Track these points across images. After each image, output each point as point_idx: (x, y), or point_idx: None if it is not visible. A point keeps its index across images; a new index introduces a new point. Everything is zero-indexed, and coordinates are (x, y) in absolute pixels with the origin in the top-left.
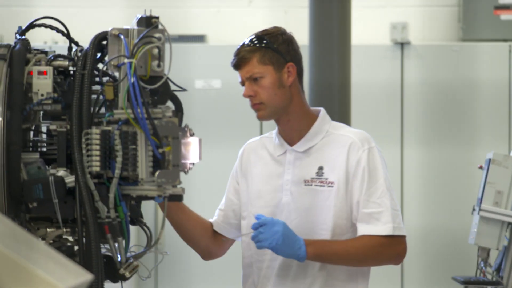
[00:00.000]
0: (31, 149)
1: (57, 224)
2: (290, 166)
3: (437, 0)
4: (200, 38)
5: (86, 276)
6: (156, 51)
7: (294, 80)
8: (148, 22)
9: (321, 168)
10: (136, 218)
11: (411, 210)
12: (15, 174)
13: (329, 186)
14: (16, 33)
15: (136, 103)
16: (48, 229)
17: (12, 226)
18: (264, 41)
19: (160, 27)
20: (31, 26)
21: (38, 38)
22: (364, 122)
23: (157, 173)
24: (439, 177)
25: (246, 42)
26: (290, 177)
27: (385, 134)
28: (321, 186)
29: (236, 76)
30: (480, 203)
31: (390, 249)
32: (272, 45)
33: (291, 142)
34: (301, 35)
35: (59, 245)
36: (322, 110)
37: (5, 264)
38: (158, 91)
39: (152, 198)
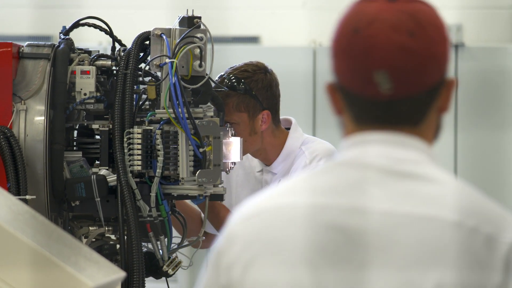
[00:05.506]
0: (74, 148)
1: (99, 223)
2: (267, 185)
3: (492, 2)
4: (254, 40)
5: (118, 274)
6: (197, 51)
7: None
8: (190, 22)
9: (279, 181)
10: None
11: None
12: (58, 173)
13: None
14: (60, 33)
15: (177, 102)
16: (90, 228)
17: (46, 223)
18: (242, 85)
19: (202, 27)
20: (75, 25)
21: (93, 39)
22: None
23: (198, 172)
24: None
25: (225, 79)
26: None
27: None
28: None
29: (290, 77)
30: None
31: None
32: (250, 91)
33: (267, 163)
34: None
35: (101, 243)
36: (292, 126)
37: (35, 260)
38: (199, 91)
39: (193, 197)
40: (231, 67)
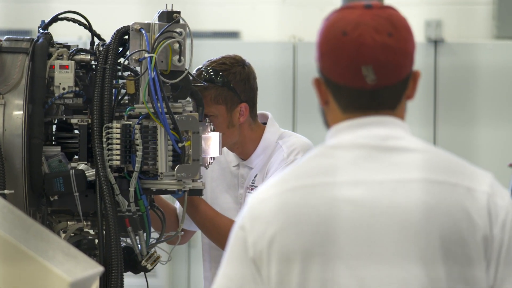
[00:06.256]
0: (52, 142)
1: (78, 217)
2: (243, 180)
3: None
4: (234, 35)
5: (96, 269)
6: (177, 45)
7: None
8: (170, 17)
9: (256, 175)
10: (149, 203)
11: None
12: (36, 168)
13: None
14: (39, 27)
15: (156, 97)
16: (69, 222)
17: (23, 217)
18: (220, 78)
19: (181, 22)
20: (54, 20)
21: (72, 33)
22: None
23: (177, 167)
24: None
25: (203, 72)
26: (243, 191)
27: (417, 130)
28: (251, 192)
29: (270, 73)
30: None
31: None
32: (228, 84)
33: (244, 157)
34: None
35: (80, 238)
36: (269, 121)
37: (12, 254)
38: (178, 85)
39: (172, 192)
40: (209, 60)
